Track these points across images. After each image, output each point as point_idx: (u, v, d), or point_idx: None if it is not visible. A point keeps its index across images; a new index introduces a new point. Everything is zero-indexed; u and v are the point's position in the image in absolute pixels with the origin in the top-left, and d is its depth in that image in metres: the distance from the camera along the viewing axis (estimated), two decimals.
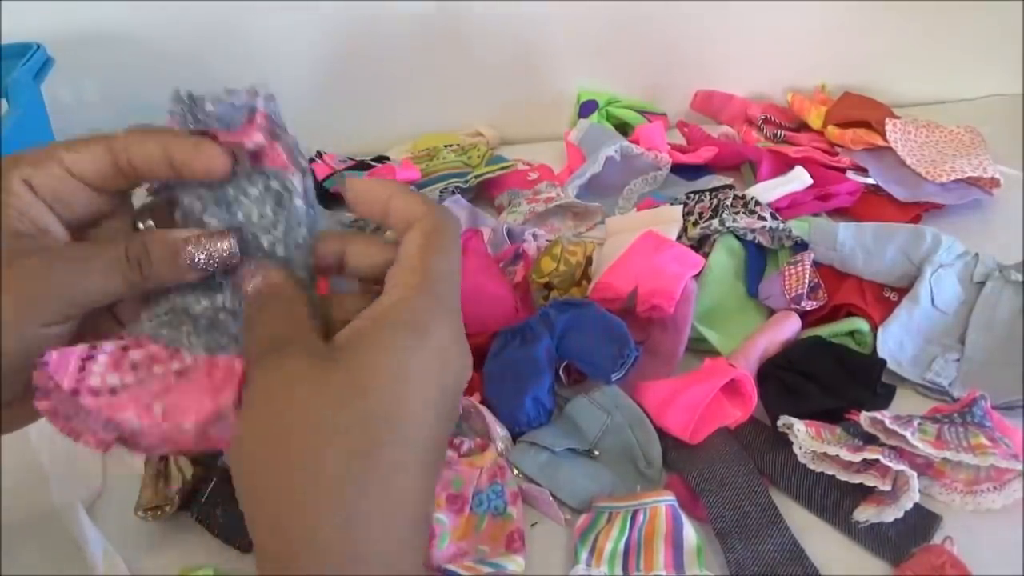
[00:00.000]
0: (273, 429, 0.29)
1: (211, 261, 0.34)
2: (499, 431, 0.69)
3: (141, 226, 0.36)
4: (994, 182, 0.93)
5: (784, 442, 0.67)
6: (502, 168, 0.99)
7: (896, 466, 0.61)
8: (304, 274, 0.36)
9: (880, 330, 0.77)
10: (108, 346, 0.33)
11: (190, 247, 0.34)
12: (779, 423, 0.68)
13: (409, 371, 0.30)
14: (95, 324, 0.35)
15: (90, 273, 0.32)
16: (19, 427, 0.36)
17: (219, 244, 0.34)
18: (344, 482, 0.28)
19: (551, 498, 0.66)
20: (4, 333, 0.31)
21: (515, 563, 0.61)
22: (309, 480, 0.28)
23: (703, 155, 1.01)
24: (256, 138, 0.34)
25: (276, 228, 0.35)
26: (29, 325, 0.31)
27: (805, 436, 0.65)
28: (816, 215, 0.91)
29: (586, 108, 1.09)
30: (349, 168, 1.01)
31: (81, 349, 0.32)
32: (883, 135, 0.99)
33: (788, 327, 0.76)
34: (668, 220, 0.86)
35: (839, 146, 1.02)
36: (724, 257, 0.83)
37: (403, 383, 0.30)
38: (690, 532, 0.62)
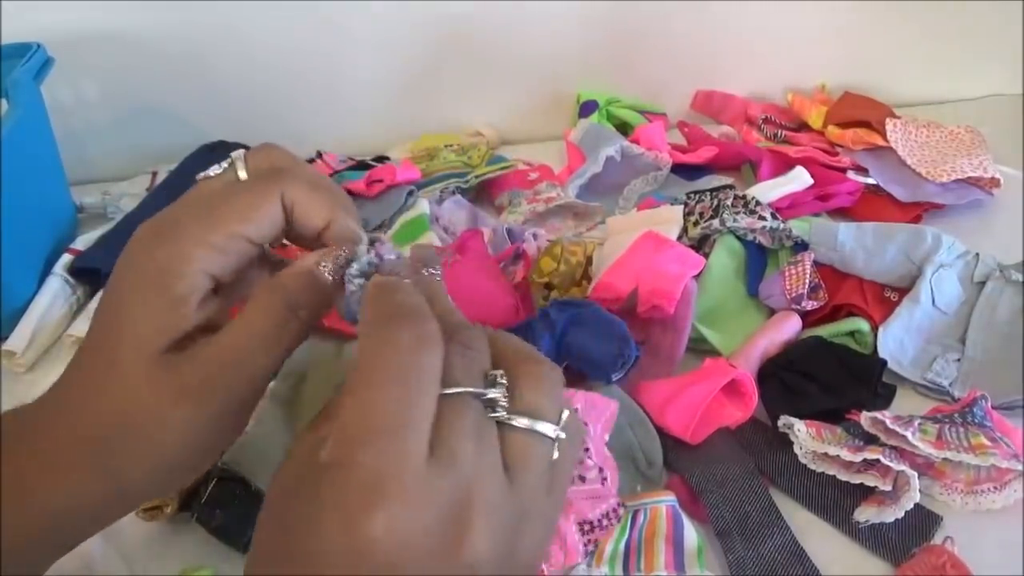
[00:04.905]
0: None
1: (339, 268, 0.34)
2: None
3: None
4: (994, 182, 0.93)
5: (784, 442, 0.67)
6: (502, 168, 0.99)
7: (897, 466, 0.61)
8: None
9: (880, 330, 0.76)
10: None
11: (322, 266, 0.34)
12: (779, 423, 0.68)
13: None
14: None
15: (262, 354, 0.33)
16: None
17: (339, 252, 0.34)
18: None
19: None
20: None
21: None
22: None
23: (703, 155, 1.01)
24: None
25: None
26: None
27: (805, 436, 0.65)
28: (816, 215, 0.91)
29: (586, 108, 1.09)
30: (349, 168, 1.01)
31: None
32: (883, 135, 0.99)
33: (788, 327, 0.76)
34: (668, 220, 0.86)
35: (839, 146, 1.02)
36: (724, 257, 0.83)
37: None
38: (691, 532, 0.62)
